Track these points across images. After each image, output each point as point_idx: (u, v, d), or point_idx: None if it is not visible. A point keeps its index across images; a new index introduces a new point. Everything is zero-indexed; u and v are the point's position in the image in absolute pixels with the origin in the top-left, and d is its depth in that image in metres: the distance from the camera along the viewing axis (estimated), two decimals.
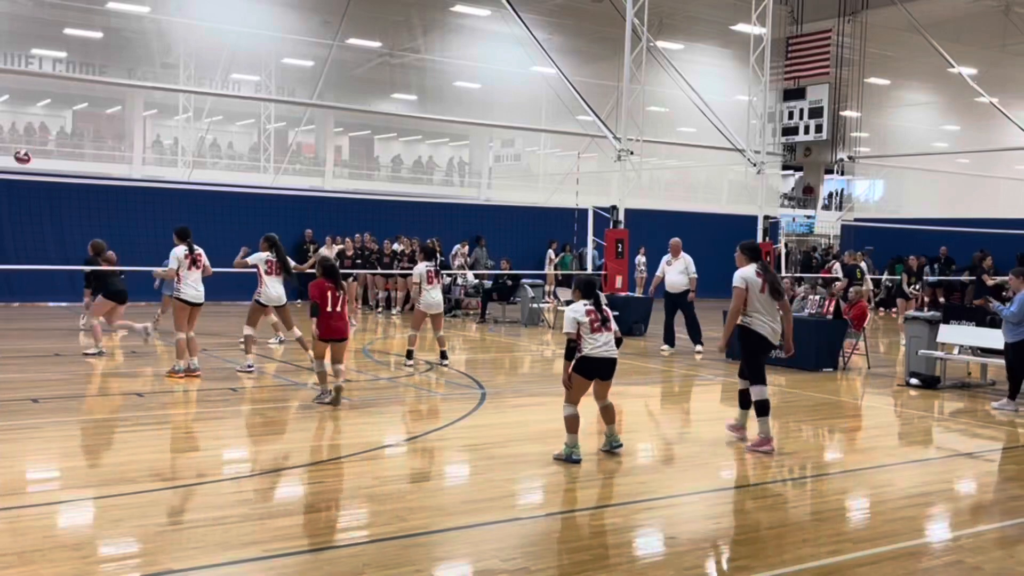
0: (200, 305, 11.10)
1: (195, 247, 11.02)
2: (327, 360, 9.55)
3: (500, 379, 12.07)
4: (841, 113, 32.29)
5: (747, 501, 6.62)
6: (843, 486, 7.19)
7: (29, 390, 10.05)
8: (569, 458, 7.39)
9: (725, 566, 5.35)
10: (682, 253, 15.10)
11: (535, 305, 19.30)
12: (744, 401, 8.39)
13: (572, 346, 7.37)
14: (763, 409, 8.05)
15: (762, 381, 8.12)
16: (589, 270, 20.51)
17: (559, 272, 23.18)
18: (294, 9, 27.38)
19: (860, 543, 5.66)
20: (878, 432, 9.56)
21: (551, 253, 23.93)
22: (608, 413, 7.75)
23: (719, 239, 25.30)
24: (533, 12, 25.17)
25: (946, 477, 7.71)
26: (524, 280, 19.82)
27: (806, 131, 31.33)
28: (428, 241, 20.15)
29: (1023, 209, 26.62)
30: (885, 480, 7.43)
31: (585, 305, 7.43)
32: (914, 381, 12.03)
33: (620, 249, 17.78)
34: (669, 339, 15.24)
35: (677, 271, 15.07)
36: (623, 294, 17.80)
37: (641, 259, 24.09)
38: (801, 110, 31.25)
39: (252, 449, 8.03)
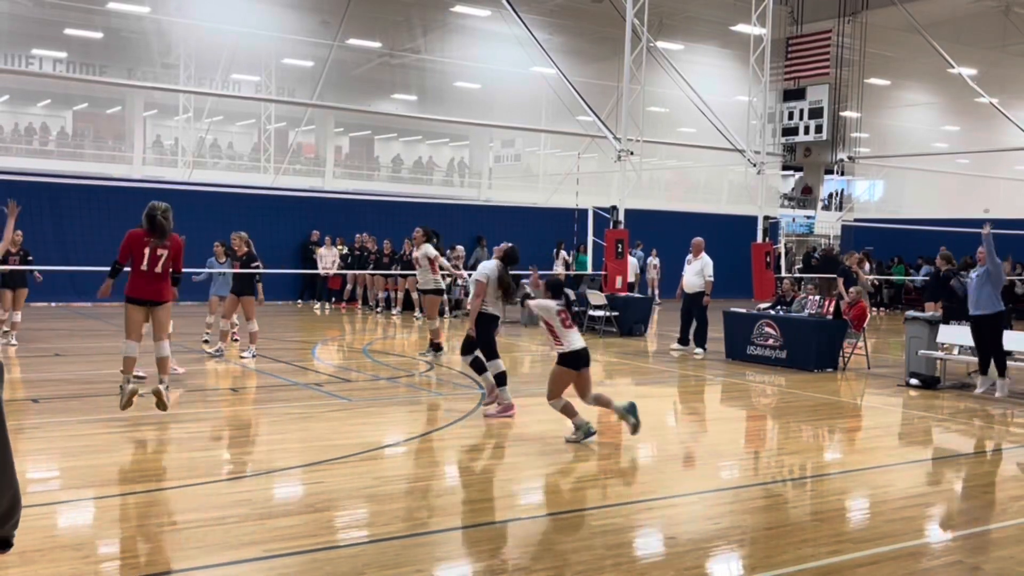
0: None
1: None
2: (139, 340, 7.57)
3: None
4: (841, 113, 32.30)
5: (747, 501, 6.62)
6: (843, 486, 7.19)
7: (29, 390, 10.05)
8: (587, 435, 8.05)
9: (725, 566, 5.35)
10: (703, 254, 15.07)
11: None
12: (479, 368, 9.41)
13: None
14: (502, 380, 9.27)
15: (497, 356, 9.31)
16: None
17: (571, 272, 23.17)
18: (294, 9, 27.37)
19: (860, 543, 5.66)
20: (878, 432, 9.55)
21: (564, 254, 23.91)
22: (603, 401, 8.24)
23: (719, 240, 25.38)
24: (533, 12, 25.18)
25: (946, 477, 7.72)
26: (524, 280, 19.80)
27: (806, 131, 31.34)
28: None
29: (1023, 209, 26.62)
30: (885, 480, 7.44)
31: (557, 304, 8.06)
32: (914, 381, 12.03)
33: (620, 249, 17.77)
34: (682, 339, 15.21)
35: (693, 272, 15.08)
36: (623, 294, 17.79)
37: (654, 260, 24.08)
38: (801, 110, 31.26)
39: (252, 449, 8.04)
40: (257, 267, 12.79)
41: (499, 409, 9.34)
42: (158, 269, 7.68)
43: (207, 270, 13.74)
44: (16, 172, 20.49)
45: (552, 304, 8.06)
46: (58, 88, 29.79)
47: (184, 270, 8.48)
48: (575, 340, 8.07)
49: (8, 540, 2.58)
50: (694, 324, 15.03)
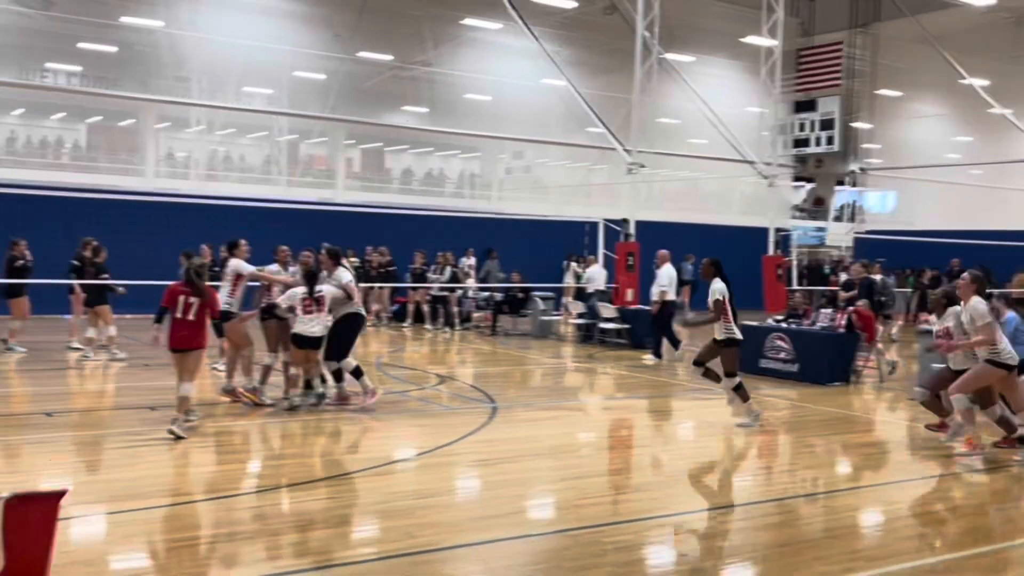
0: None
1: None
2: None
3: (511, 393, 12.05)
4: (852, 124, 32.20)
5: (758, 518, 6.59)
6: (856, 502, 7.14)
7: (43, 403, 10.10)
8: (322, 399, 10.02)
9: None
10: (666, 265, 15.53)
11: (546, 318, 19.30)
12: (338, 376, 10.18)
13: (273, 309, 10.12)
14: (358, 373, 10.08)
15: (346, 356, 10.09)
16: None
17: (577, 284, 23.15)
18: (306, 23, 27.51)
19: (873, 561, 5.62)
20: (890, 447, 9.49)
21: (575, 266, 23.90)
22: (292, 381, 9.93)
23: (731, 251, 25.29)
24: (544, 25, 25.19)
25: (960, 494, 7.65)
26: (535, 292, 19.81)
27: (817, 143, 31.28)
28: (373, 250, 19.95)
29: None
30: (898, 496, 7.39)
31: (302, 293, 9.68)
32: None
33: (631, 262, 17.74)
34: (656, 350, 15.60)
35: (656, 282, 15.60)
36: (634, 307, 17.74)
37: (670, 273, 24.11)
38: (812, 122, 31.21)
39: (263, 464, 8.04)
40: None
41: (337, 396, 10.18)
42: (191, 317, 8.46)
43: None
44: (31, 185, 20.62)
45: (298, 292, 9.72)
46: (72, 101, 29.96)
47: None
48: (306, 325, 9.66)
49: None
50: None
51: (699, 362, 9.98)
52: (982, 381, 8.34)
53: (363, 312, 10.46)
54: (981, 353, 8.23)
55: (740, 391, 9.84)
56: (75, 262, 13.82)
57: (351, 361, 10.10)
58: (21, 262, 13.85)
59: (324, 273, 10.17)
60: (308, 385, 10.11)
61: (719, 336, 9.81)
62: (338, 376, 10.23)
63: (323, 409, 9.99)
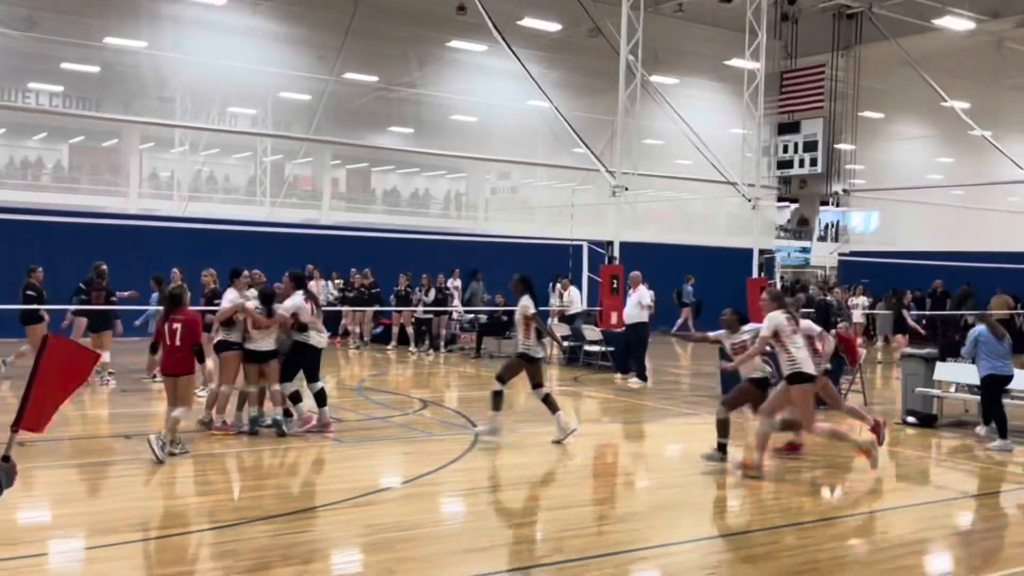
0: None
1: None
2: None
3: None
4: (835, 146, 32.43)
5: (742, 549, 6.51)
6: (840, 532, 7.07)
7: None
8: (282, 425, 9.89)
9: None
10: (640, 286, 15.80)
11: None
12: (320, 399, 10.17)
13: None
14: (296, 398, 9.99)
15: (290, 380, 10.05)
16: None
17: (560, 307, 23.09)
18: (291, 44, 27.49)
19: None
20: (876, 473, 9.43)
21: (561, 287, 23.87)
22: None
23: (717, 272, 25.34)
24: (529, 47, 25.28)
25: (945, 522, 7.60)
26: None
27: (801, 164, 31.50)
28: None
29: (1016, 242, 26.64)
30: (884, 525, 7.33)
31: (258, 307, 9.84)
32: (911, 419, 11.92)
33: (615, 285, 17.71)
34: (622, 368, 15.90)
35: (632, 303, 15.83)
36: (620, 330, 17.69)
37: (648, 293, 24.24)
38: (796, 143, 31.44)
39: (238, 495, 7.90)
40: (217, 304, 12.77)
41: (314, 424, 10.03)
42: (177, 343, 8.74)
43: (150, 307, 13.88)
44: (11, 205, 20.46)
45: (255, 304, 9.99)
46: (54, 121, 29.82)
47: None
48: (256, 342, 9.81)
49: None
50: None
51: (500, 378, 10.21)
52: (782, 400, 8.67)
53: (312, 343, 10.14)
54: (783, 367, 8.43)
55: (548, 402, 10.10)
56: (81, 285, 13.80)
57: (291, 385, 10.02)
58: (32, 292, 13.66)
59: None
60: (287, 412, 10.03)
61: (519, 350, 10.18)
62: (321, 399, 10.17)
63: (299, 435, 9.87)
